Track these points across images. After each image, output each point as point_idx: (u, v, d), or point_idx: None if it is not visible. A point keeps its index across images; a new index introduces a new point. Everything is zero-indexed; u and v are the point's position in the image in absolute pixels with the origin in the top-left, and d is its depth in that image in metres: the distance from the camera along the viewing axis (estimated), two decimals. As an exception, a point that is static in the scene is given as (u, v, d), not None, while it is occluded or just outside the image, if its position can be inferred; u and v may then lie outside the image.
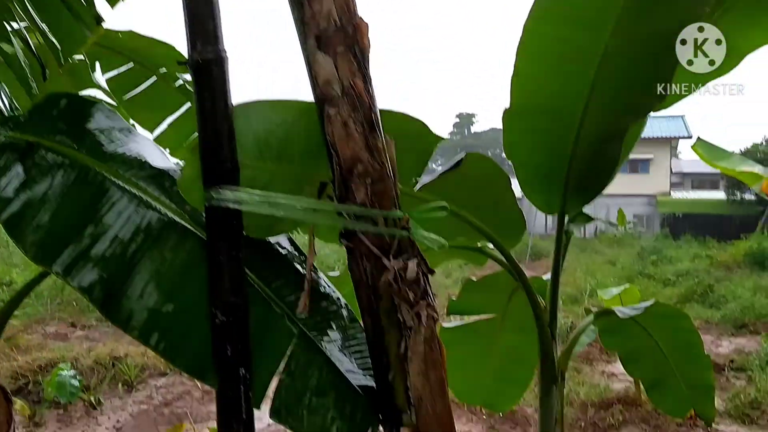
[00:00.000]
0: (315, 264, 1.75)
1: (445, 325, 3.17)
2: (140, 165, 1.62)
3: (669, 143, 36.26)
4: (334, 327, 1.75)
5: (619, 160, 2.15)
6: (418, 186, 1.99)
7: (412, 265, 1.60)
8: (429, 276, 1.68)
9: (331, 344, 1.71)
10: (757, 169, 5.25)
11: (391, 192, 1.58)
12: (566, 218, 2.32)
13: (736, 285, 14.81)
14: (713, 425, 6.83)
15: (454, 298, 3.06)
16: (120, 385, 7.27)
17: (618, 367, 9.07)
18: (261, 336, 1.60)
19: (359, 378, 1.71)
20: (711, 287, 14.54)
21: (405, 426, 1.62)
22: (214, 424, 6.51)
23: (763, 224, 22.19)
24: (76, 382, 6.03)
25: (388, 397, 1.64)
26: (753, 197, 29.92)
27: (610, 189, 2.31)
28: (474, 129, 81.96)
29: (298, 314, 1.57)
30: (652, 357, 2.76)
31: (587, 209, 2.45)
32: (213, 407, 6.55)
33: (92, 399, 6.54)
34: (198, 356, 1.55)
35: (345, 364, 1.70)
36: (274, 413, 1.55)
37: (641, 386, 7.17)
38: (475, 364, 3.18)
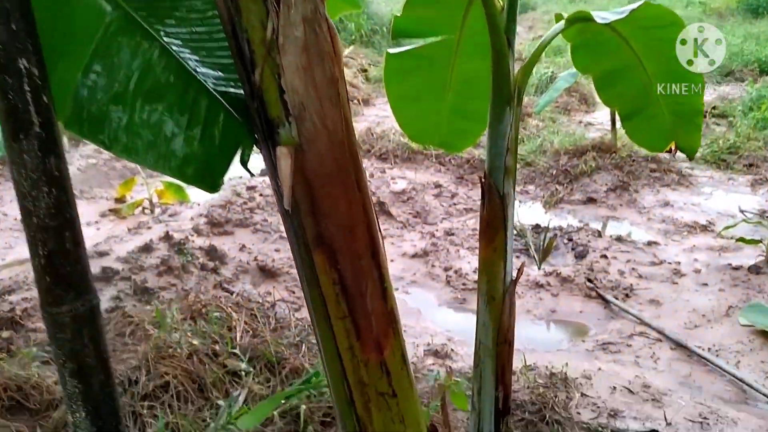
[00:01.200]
0: None
1: (391, 50, 2.62)
2: None
3: None
4: (184, 11, 1.21)
5: None
6: None
7: None
8: None
9: (176, 33, 1.18)
10: None
11: None
12: None
13: (726, 32, 14.11)
14: (688, 170, 6.66)
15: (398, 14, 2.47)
16: (65, 139, 6.80)
17: (595, 116, 8.74)
18: (55, 15, 1.07)
19: (221, 83, 1.22)
20: (701, 35, 13.87)
21: (283, 144, 1.16)
22: (167, 178, 6.16)
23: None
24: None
25: (259, 106, 1.16)
26: (758, -61, 27.84)
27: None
28: None
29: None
30: (633, 78, 2.27)
31: None
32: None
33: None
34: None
35: (195, 62, 1.19)
36: (70, 122, 1.07)
37: (617, 132, 6.87)
38: (428, 99, 2.69)
